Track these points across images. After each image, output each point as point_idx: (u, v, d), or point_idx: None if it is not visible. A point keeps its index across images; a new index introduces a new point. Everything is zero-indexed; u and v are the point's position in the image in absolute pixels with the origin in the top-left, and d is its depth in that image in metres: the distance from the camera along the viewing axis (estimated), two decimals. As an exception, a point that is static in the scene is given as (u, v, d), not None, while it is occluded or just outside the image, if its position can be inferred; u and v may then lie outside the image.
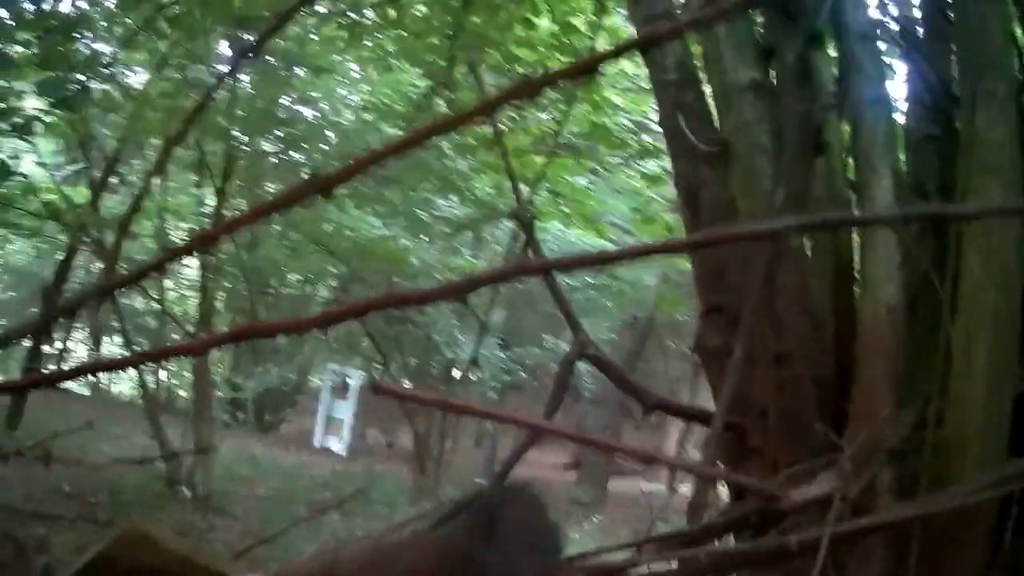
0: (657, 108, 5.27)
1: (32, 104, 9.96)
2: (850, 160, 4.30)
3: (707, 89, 4.84)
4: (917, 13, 4.45)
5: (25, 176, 11.88)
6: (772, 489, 3.47)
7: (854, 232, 4.43)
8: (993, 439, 3.55)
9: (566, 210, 15.51)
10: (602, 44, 10.21)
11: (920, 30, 4.40)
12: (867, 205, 4.04)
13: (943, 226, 3.81)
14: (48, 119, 10.02)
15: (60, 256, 16.43)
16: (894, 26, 4.59)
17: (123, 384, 25.00)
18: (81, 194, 14.26)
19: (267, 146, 16.10)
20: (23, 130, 9.78)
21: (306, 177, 2.75)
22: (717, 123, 4.70)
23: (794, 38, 4.30)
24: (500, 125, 12.76)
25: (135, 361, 3.05)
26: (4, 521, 7.74)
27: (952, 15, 4.19)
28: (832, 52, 4.53)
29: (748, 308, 3.99)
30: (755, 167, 4.31)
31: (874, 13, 4.51)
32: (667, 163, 13.68)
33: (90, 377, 24.45)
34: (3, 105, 10.05)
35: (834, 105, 4.38)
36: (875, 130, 4.02)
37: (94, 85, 10.35)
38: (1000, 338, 3.54)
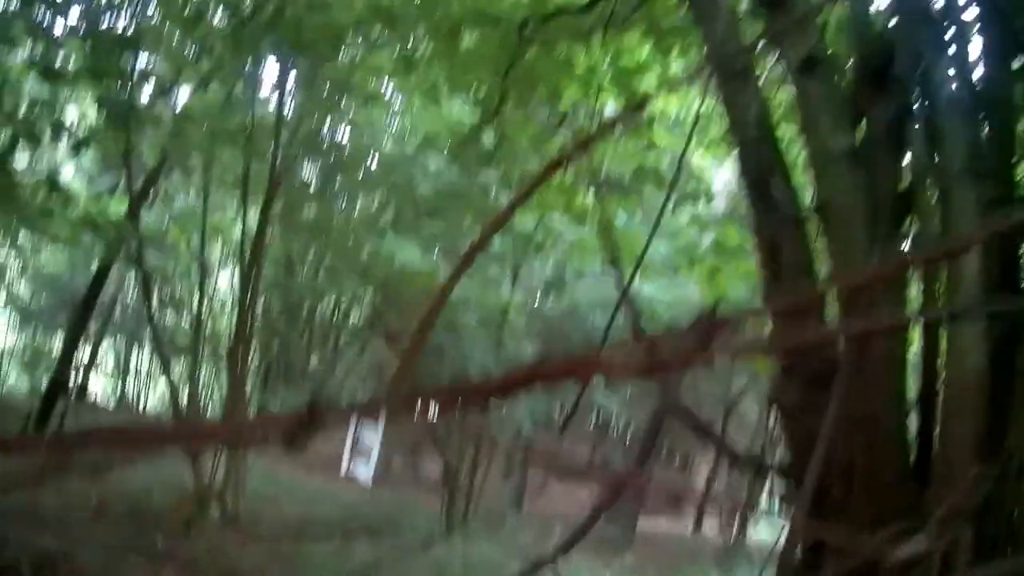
0: (736, 161, 5.25)
1: (73, 114, 10.08)
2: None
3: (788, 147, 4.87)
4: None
5: (62, 188, 11.96)
6: (877, 546, 3.48)
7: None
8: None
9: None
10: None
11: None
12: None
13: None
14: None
15: (93, 266, 16.54)
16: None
17: (152, 398, 25.06)
18: (119, 206, 14.34)
19: (310, 170, 16.20)
20: (79, 146, 9.87)
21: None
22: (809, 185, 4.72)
23: (886, 104, 4.32)
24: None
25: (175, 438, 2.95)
26: (27, 530, 7.74)
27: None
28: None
29: (843, 370, 4.00)
30: (852, 234, 4.32)
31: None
32: (714, 205, 13.86)
33: (117, 389, 24.73)
34: (57, 119, 10.15)
35: (926, 171, 4.39)
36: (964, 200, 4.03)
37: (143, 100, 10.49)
38: None
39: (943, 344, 4.11)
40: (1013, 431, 3.73)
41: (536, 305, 17.76)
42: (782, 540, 4.44)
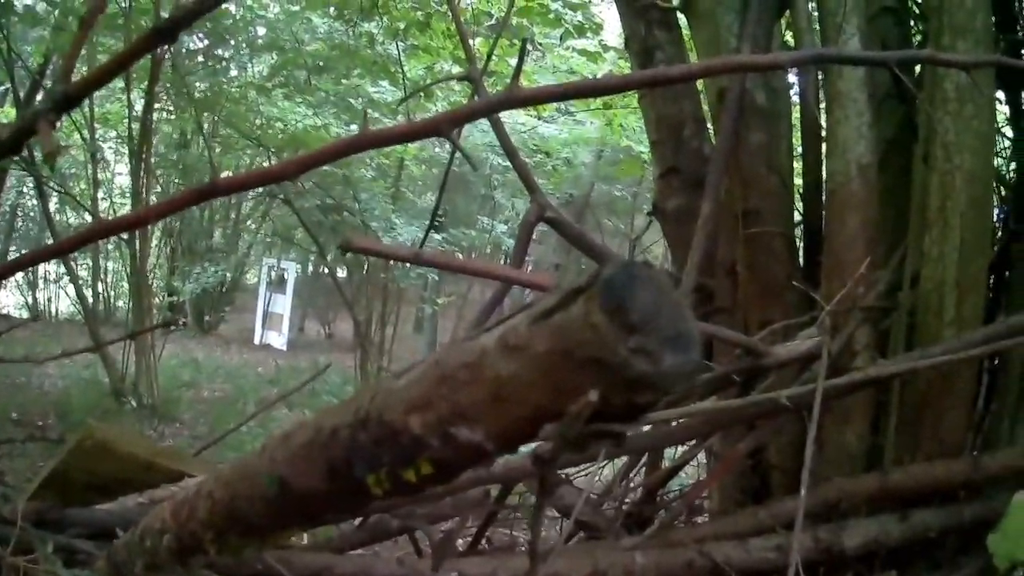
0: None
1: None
2: (816, 19, 4.19)
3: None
4: None
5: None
6: (758, 346, 3.41)
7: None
8: (970, 300, 3.55)
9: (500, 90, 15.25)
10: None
11: None
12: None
13: (907, 97, 3.78)
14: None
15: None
16: None
17: (62, 303, 24.71)
18: (8, 115, 13.88)
19: (194, 43, 15.79)
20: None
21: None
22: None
23: None
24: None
25: (87, 238, 2.89)
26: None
27: None
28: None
29: (714, 166, 3.90)
30: (719, 24, 4.19)
31: None
32: (606, 38, 13.68)
33: (28, 299, 24.31)
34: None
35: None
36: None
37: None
38: (975, 200, 3.54)
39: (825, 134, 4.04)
40: (911, 230, 3.68)
41: (433, 152, 17.55)
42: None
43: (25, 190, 21.19)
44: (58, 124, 2.74)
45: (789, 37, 4.62)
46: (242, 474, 1.87)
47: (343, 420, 1.41)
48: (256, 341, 22.90)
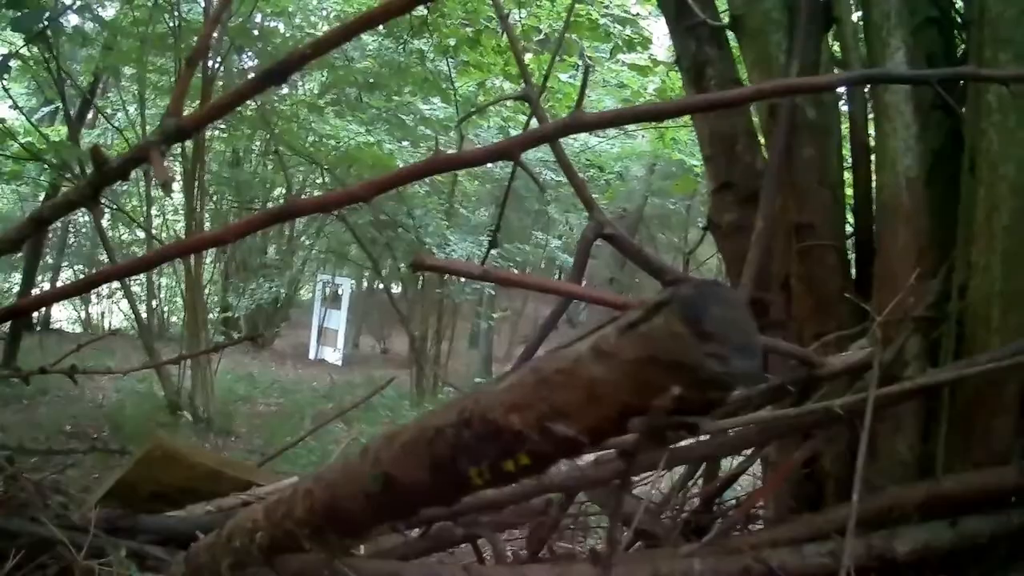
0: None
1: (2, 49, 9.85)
2: (862, 36, 4.27)
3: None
4: None
5: (1, 121, 11.78)
6: (812, 356, 3.49)
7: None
8: (1015, 310, 3.59)
9: (555, 106, 15.34)
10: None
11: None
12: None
13: (953, 109, 3.80)
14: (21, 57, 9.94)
15: (42, 198, 16.30)
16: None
17: (115, 317, 24.91)
18: (59, 133, 14.09)
19: (245, 64, 15.97)
20: (1, 68, 9.65)
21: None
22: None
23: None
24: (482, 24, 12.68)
25: (167, 255, 3.04)
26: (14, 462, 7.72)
27: None
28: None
29: (768, 181, 4.00)
30: (768, 41, 4.28)
31: None
32: (655, 52, 13.75)
33: (81, 314, 24.54)
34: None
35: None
36: (887, 4, 3.99)
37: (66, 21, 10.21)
38: (1020, 211, 3.56)
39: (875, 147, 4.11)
40: (958, 241, 3.74)
41: (486, 168, 17.64)
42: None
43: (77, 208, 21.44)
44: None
45: (836, 48, 4.69)
46: (344, 474, 2.02)
47: (447, 420, 1.57)
48: (311, 356, 23.02)
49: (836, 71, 4.53)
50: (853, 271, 4.30)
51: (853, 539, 3.15)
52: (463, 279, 16.49)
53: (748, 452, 4.11)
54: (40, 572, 3.44)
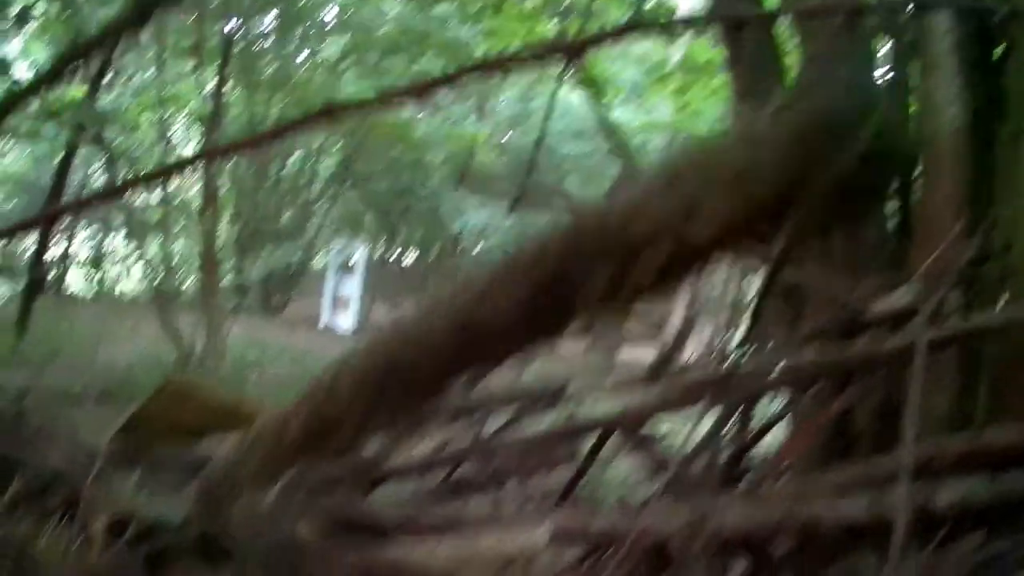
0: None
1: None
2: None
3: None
4: None
5: (19, 82, 11.72)
6: (857, 300, 3.45)
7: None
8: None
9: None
10: None
11: None
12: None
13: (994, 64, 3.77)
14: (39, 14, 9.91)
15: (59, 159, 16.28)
16: None
17: (129, 283, 24.87)
18: (78, 93, 14.06)
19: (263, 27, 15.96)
20: (19, 21, 9.65)
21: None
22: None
23: None
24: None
25: (189, 162, 2.99)
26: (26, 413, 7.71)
27: None
28: None
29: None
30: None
31: None
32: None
33: (95, 280, 24.53)
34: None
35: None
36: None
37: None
38: None
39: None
40: (997, 201, 3.69)
41: (504, 139, 17.56)
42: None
43: (89, 171, 21.35)
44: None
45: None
46: (400, 335, 1.91)
47: (552, 241, 1.45)
48: (323, 324, 22.98)
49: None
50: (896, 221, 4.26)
51: (901, 488, 3.09)
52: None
53: (784, 401, 4.08)
54: (47, 499, 3.41)
